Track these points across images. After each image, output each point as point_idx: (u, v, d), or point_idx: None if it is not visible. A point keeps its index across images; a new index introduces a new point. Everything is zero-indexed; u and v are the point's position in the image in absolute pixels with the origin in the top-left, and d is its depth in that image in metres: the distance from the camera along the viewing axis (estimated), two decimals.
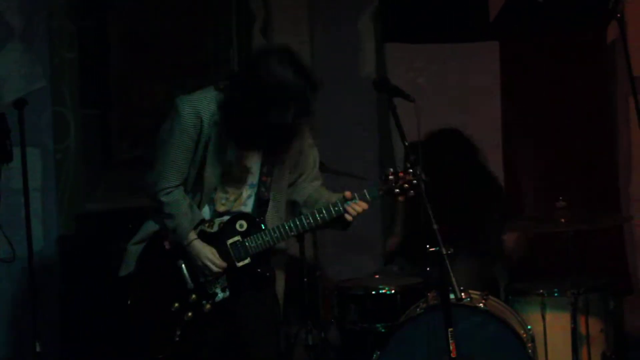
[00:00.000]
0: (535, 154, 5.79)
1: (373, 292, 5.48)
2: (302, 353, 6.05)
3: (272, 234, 4.38)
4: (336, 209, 4.38)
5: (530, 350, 5.02)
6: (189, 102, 4.32)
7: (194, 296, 4.39)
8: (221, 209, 4.43)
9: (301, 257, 5.96)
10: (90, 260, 5.62)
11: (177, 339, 4.36)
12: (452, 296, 4.10)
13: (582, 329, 5.31)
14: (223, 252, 4.37)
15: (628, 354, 6.10)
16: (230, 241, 4.40)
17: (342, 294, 5.58)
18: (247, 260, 4.39)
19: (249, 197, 4.44)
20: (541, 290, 5.40)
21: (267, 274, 4.44)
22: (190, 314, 4.37)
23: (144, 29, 6.04)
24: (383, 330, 5.35)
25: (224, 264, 4.36)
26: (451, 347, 4.02)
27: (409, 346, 4.98)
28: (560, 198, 5.35)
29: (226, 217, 4.41)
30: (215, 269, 4.35)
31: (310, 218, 4.38)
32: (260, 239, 4.38)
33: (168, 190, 4.34)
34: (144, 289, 4.40)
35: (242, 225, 4.42)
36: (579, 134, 6.35)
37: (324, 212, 4.38)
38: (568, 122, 6.33)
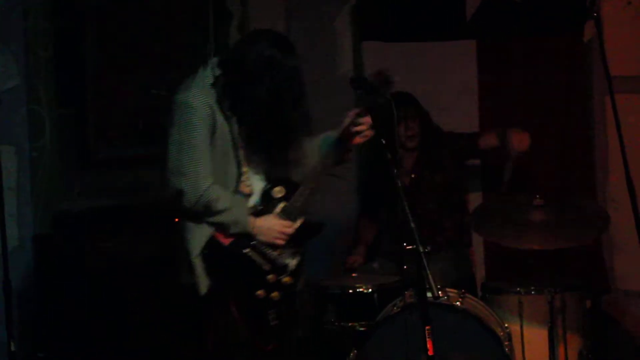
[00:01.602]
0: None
1: (350, 291, 5.46)
2: None
3: (306, 184, 4.46)
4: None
5: (507, 349, 5.04)
6: (199, 94, 4.29)
7: (271, 276, 4.41)
8: (247, 190, 4.43)
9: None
10: (66, 260, 5.60)
11: (274, 322, 4.42)
12: (429, 295, 4.10)
13: (559, 328, 5.31)
14: None
15: (605, 352, 6.12)
16: (277, 210, 4.44)
17: (319, 293, 5.56)
18: (300, 219, 4.47)
19: None
20: (518, 289, 5.40)
21: (320, 223, 4.56)
22: (275, 293, 4.42)
23: (120, 27, 6.01)
24: (360, 329, 5.33)
25: (292, 223, 4.42)
26: (428, 346, 4.02)
27: (386, 345, 4.98)
28: (537, 196, 5.36)
29: (259, 192, 4.44)
30: (289, 230, 4.41)
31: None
32: (301, 194, 4.44)
33: (209, 187, 4.29)
34: (229, 295, 4.38)
35: (280, 191, 4.47)
36: (555, 133, 6.36)
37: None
38: (545, 121, 6.34)
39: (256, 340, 4.41)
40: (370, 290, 5.43)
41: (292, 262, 4.50)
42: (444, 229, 6.01)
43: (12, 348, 4.88)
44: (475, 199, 6.39)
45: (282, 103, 4.34)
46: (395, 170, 4.14)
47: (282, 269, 4.45)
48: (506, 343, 5.08)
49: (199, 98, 4.27)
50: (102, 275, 5.52)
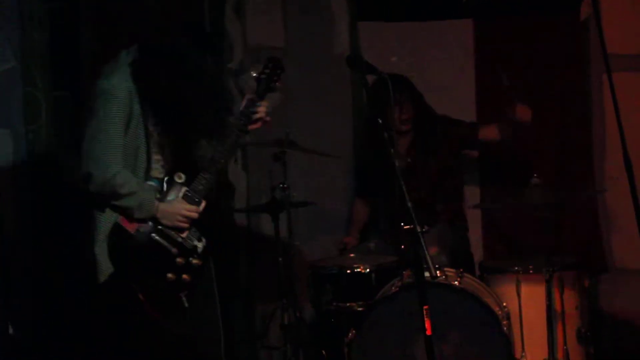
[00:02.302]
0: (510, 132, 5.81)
1: (348, 272, 5.48)
2: (277, 332, 6.06)
3: (210, 167, 4.49)
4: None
5: (505, 328, 5.06)
6: (120, 80, 4.37)
7: (179, 259, 4.43)
8: (156, 174, 4.48)
9: (275, 236, 5.95)
10: (65, 242, 5.58)
11: (187, 304, 4.42)
12: (427, 274, 4.10)
13: (557, 306, 5.34)
14: None
15: (602, 330, 6.14)
16: (180, 194, 4.46)
17: (317, 274, 5.58)
18: (203, 204, 4.48)
19: None
20: (516, 268, 5.43)
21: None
22: (185, 275, 4.42)
23: (115, 9, 5.98)
24: (358, 309, 5.35)
25: (197, 207, 4.44)
26: (426, 325, 4.03)
27: (384, 325, 5.01)
28: (535, 175, 5.36)
29: (163, 178, 4.48)
30: (194, 214, 4.43)
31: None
32: (203, 178, 4.47)
33: (118, 172, 4.35)
34: (135, 280, 4.39)
35: (180, 176, 4.49)
36: (553, 111, 6.35)
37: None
38: (542, 100, 6.32)
39: (168, 323, 4.42)
40: (368, 270, 5.45)
41: (200, 245, 4.50)
42: (437, 213, 5.98)
43: (10, 331, 4.88)
44: (473, 192, 6.39)
45: (195, 99, 4.41)
46: (391, 150, 4.14)
47: (190, 251, 4.46)
48: (504, 322, 5.10)
49: (121, 85, 4.37)
50: None
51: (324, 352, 5.73)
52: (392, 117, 5.81)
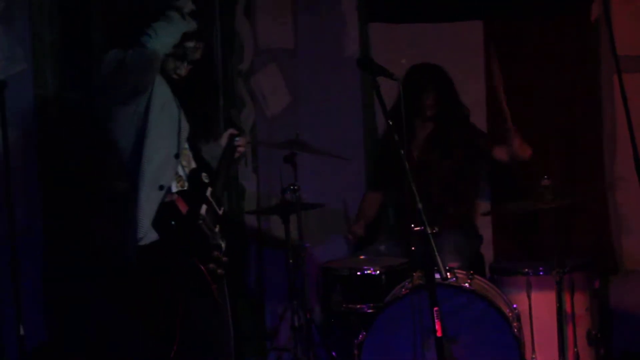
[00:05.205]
0: (521, 133, 5.81)
1: (358, 273, 5.50)
2: (287, 333, 6.08)
3: (221, 170, 4.64)
4: None
5: (515, 330, 5.05)
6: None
7: (216, 253, 4.47)
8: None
9: (286, 238, 5.97)
10: (73, 244, 5.60)
11: (217, 297, 4.47)
12: (437, 276, 4.10)
13: (568, 308, 5.35)
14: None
15: (613, 332, 6.15)
16: (208, 193, 4.53)
17: (327, 275, 5.59)
18: (222, 208, 4.58)
19: None
20: (526, 270, 5.44)
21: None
22: (220, 270, 4.46)
23: (126, 9, 5.99)
24: (368, 311, 5.36)
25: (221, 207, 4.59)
26: (437, 327, 4.04)
27: (395, 326, 5.02)
28: (545, 176, 5.36)
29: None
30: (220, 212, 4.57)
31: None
32: (217, 188, 4.57)
33: None
34: (179, 254, 4.40)
35: (206, 177, 4.57)
36: (564, 112, 6.37)
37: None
38: (553, 100, 6.35)
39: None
40: (378, 272, 5.46)
41: (223, 244, 4.55)
42: (448, 216, 5.95)
43: (21, 332, 4.89)
44: (483, 192, 6.37)
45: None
46: (402, 152, 4.15)
47: (218, 247, 4.51)
48: (515, 324, 5.10)
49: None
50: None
51: (334, 353, 5.75)
52: (420, 104, 5.89)
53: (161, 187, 4.39)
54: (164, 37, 4.34)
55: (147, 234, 4.37)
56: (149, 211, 4.37)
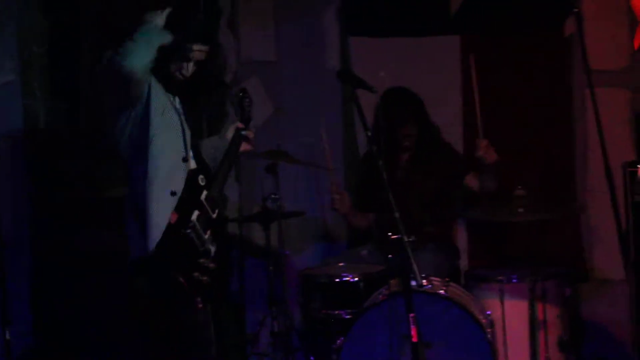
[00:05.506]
0: (496, 145, 5.87)
1: (337, 280, 5.54)
2: (267, 339, 6.13)
3: (224, 164, 4.65)
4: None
5: (489, 336, 5.12)
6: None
7: (202, 259, 4.41)
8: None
9: (267, 245, 6.04)
10: (61, 247, 5.64)
11: (200, 305, 4.41)
12: (413, 283, 4.19)
13: (540, 315, 5.40)
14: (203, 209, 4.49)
15: (583, 338, 6.22)
16: (202, 197, 4.49)
17: (307, 282, 5.63)
18: (217, 210, 4.53)
19: None
20: (500, 277, 5.49)
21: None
22: (205, 277, 4.40)
23: (114, 23, 6.05)
24: (347, 317, 5.40)
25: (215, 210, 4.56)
26: (412, 333, 4.12)
27: (372, 332, 5.07)
28: (519, 187, 5.45)
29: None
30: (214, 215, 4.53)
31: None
32: (217, 185, 4.55)
33: None
34: (162, 268, 4.35)
35: (202, 179, 4.53)
36: (537, 125, 6.42)
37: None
38: (527, 114, 6.41)
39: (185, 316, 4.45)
40: (356, 279, 5.50)
41: (212, 249, 4.49)
42: (427, 233, 5.92)
43: (7, 336, 4.92)
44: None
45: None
46: (380, 162, 4.23)
47: (207, 253, 4.46)
48: (488, 330, 5.16)
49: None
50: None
51: (312, 358, 5.78)
52: (397, 131, 5.89)
53: (173, 193, 4.35)
54: (136, 56, 4.28)
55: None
56: (159, 221, 4.32)
